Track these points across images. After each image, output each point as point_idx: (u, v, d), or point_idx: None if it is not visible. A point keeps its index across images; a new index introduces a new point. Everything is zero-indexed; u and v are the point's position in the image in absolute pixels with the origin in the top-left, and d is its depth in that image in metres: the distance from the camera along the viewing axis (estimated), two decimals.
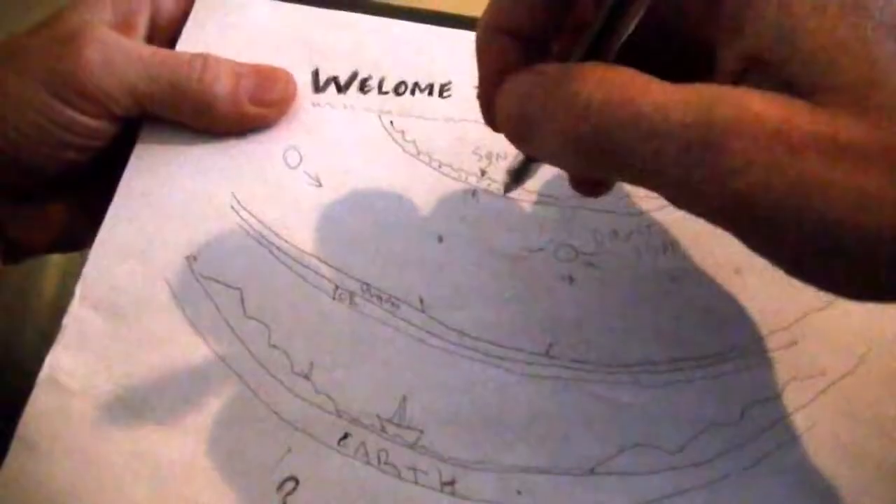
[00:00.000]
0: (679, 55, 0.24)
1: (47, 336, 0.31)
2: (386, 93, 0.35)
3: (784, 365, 0.30)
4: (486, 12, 0.25)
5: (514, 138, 0.24)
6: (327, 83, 0.35)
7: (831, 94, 0.19)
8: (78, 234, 0.36)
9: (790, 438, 0.29)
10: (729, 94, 0.19)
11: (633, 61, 0.22)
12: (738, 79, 0.21)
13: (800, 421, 0.29)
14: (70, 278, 0.46)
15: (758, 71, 0.20)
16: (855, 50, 0.19)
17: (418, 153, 0.34)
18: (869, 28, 0.19)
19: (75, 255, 0.41)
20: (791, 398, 0.30)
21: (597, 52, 0.22)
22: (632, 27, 0.21)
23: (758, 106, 0.19)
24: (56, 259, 0.47)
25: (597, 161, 0.22)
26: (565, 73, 0.22)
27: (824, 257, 0.19)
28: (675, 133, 0.19)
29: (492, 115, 0.25)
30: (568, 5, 0.24)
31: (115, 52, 0.32)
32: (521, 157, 0.27)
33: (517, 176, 0.27)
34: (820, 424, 0.29)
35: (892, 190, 0.18)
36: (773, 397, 0.30)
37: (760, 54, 0.20)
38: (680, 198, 0.21)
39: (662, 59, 0.23)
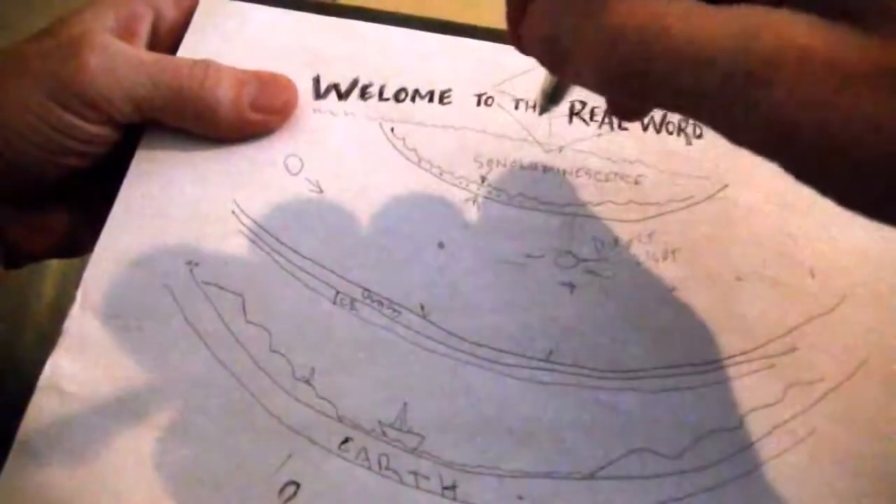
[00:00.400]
0: None
1: (46, 339, 0.31)
2: (387, 100, 0.35)
3: (784, 371, 0.30)
4: None
5: (545, 62, 0.23)
6: (328, 90, 0.35)
7: (886, 19, 0.18)
8: (79, 240, 0.36)
9: (790, 444, 0.29)
10: (773, 22, 0.18)
11: None
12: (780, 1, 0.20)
13: (799, 427, 0.29)
14: (69, 281, 0.46)
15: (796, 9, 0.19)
16: None
17: (419, 160, 0.34)
18: None
19: (74, 258, 0.41)
20: (790, 404, 0.30)
21: None
22: None
23: (803, 36, 0.18)
24: (55, 262, 0.47)
25: (633, 91, 0.21)
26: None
27: (882, 191, 0.18)
28: (716, 65, 0.18)
29: (518, 36, 0.24)
30: None
31: (117, 59, 0.32)
32: (554, 78, 0.26)
33: (552, 96, 0.26)
34: (819, 430, 0.29)
35: None
36: (772, 403, 0.30)
37: None
38: (721, 128, 0.20)
39: None
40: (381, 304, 0.31)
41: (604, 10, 0.20)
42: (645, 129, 0.35)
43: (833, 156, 0.18)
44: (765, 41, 0.18)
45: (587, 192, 0.34)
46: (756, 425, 0.29)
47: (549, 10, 0.22)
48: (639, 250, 0.33)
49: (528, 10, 0.22)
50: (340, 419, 0.29)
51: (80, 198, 0.36)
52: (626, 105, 0.26)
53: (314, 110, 0.35)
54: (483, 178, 0.34)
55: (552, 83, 0.26)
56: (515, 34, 0.24)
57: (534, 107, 0.34)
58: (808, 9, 0.19)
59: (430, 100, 0.35)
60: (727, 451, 0.29)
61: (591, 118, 0.35)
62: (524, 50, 0.24)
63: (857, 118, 0.17)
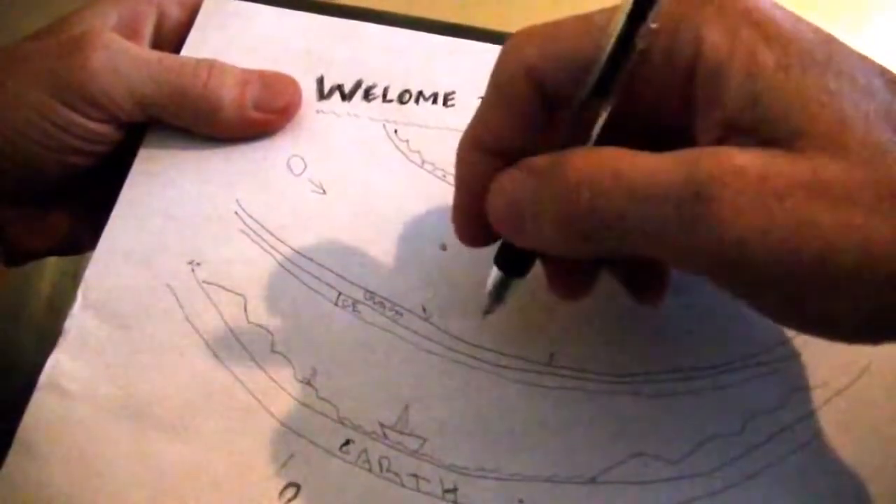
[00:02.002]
0: (657, 134, 0.24)
1: (44, 337, 0.31)
2: (390, 101, 0.35)
3: (786, 376, 0.30)
4: (467, 132, 0.26)
5: (510, 232, 0.25)
6: (332, 91, 0.35)
7: (807, 140, 0.20)
8: (80, 239, 0.36)
9: (792, 449, 0.29)
10: (711, 151, 0.21)
11: (613, 144, 0.23)
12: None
13: (801, 432, 0.29)
14: (67, 279, 0.46)
15: (735, 135, 0.21)
16: (822, 100, 0.20)
17: (423, 162, 0.34)
18: (830, 80, 0.20)
19: (73, 256, 0.41)
20: (793, 409, 0.30)
21: (577, 140, 0.23)
22: (602, 119, 0.23)
23: (739, 158, 0.20)
24: (53, 260, 0.47)
25: (594, 238, 0.23)
26: (553, 161, 0.23)
27: (816, 299, 0.20)
28: (666, 194, 0.21)
29: (468, 230, 0.27)
30: (547, 115, 0.25)
31: (120, 58, 0.32)
32: (498, 275, 0.27)
33: (497, 295, 0.28)
34: (822, 436, 0.29)
35: (879, 224, 0.19)
36: (774, 408, 0.29)
37: (736, 120, 0.21)
38: (679, 257, 0.22)
39: (642, 139, 0.24)
40: (382, 305, 0.31)
41: (562, 166, 0.23)
42: None
43: (782, 264, 0.20)
44: (708, 166, 0.20)
45: None
46: (758, 430, 0.29)
47: (510, 184, 0.24)
48: None
49: (491, 189, 0.25)
50: (341, 421, 0.29)
51: (81, 196, 0.36)
52: (572, 280, 0.28)
53: (317, 111, 0.35)
54: None
55: (498, 281, 0.27)
56: (465, 228, 0.27)
57: None
58: (744, 143, 0.21)
59: (434, 101, 0.35)
60: (729, 456, 0.29)
61: None
62: (472, 242, 0.27)
63: (792, 226, 0.19)
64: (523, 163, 0.24)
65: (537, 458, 0.29)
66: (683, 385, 0.30)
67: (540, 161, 0.24)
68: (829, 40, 0.22)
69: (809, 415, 0.29)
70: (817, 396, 0.30)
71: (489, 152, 0.26)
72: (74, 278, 0.32)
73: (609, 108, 0.22)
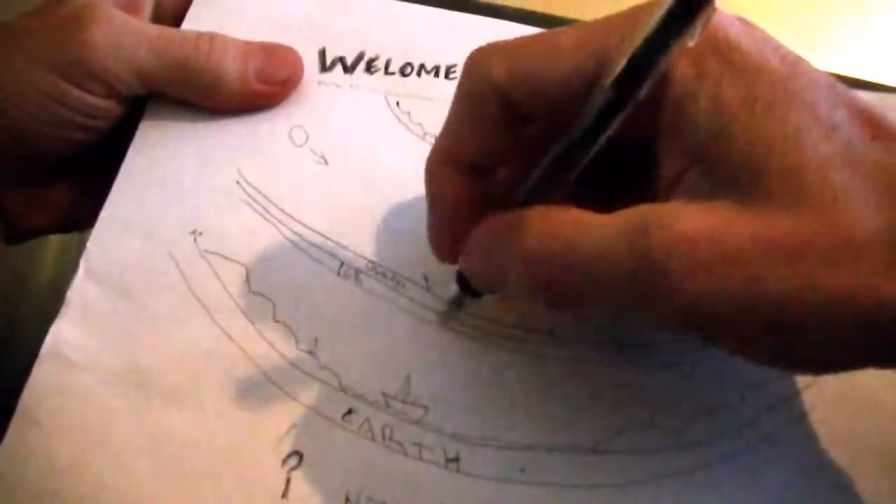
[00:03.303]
0: (624, 163, 0.25)
1: (46, 314, 0.31)
2: (392, 74, 0.35)
3: None
4: (435, 147, 0.27)
5: (486, 288, 0.27)
6: (334, 63, 0.35)
7: (763, 188, 0.20)
8: (82, 215, 0.36)
9: (789, 421, 0.29)
10: (661, 216, 0.21)
11: (579, 180, 0.24)
12: (678, 179, 0.22)
13: (799, 404, 0.29)
14: (68, 256, 0.46)
15: (696, 170, 0.22)
16: (782, 142, 0.20)
17: (424, 134, 0.34)
18: (793, 117, 0.20)
19: (74, 233, 0.41)
20: (791, 382, 0.30)
21: (546, 191, 0.24)
22: (579, 169, 0.23)
23: (687, 225, 0.20)
24: (55, 237, 0.47)
25: (556, 302, 0.24)
26: (510, 223, 0.24)
27: (778, 345, 0.21)
28: (620, 267, 0.21)
29: (445, 247, 0.28)
30: (515, 130, 0.25)
31: (121, 32, 0.32)
32: (458, 293, 0.29)
33: (455, 308, 0.30)
34: (819, 408, 0.29)
35: (829, 275, 0.19)
36: (773, 381, 0.30)
37: (697, 154, 0.21)
38: (637, 319, 0.23)
39: (608, 167, 0.24)
40: (384, 275, 0.31)
41: (517, 231, 0.23)
42: None
43: (737, 323, 0.20)
44: (655, 236, 0.20)
45: None
46: (756, 402, 0.29)
47: (479, 244, 0.26)
48: None
49: (467, 243, 0.26)
50: (344, 390, 0.29)
51: (83, 172, 0.36)
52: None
53: (319, 83, 0.35)
54: None
55: (456, 298, 0.29)
56: (441, 247, 0.28)
57: None
58: (702, 184, 0.21)
59: (436, 74, 0.35)
60: (728, 427, 0.29)
61: None
62: (448, 261, 0.28)
63: (743, 287, 0.20)
64: (491, 219, 0.25)
65: (539, 427, 0.29)
66: (683, 356, 0.30)
67: (500, 221, 0.25)
68: (797, 67, 0.22)
69: (807, 387, 0.30)
70: None
71: (459, 167, 0.26)
72: (76, 255, 0.32)
73: (590, 157, 0.23)
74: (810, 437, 0.29)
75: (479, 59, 0.25)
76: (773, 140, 0.20)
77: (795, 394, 0.30)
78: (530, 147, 0.25)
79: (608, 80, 0.21)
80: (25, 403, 0.29)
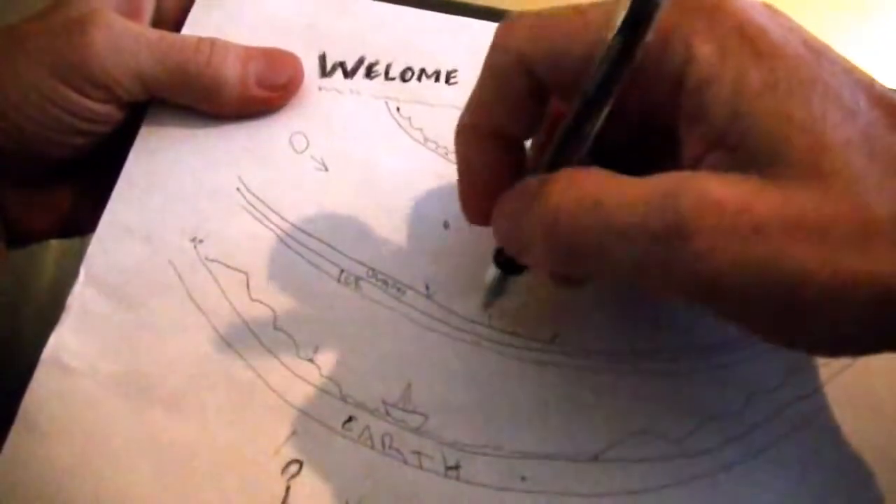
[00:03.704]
0: (647, 142, 0.25)
1: (46, 319, 0.31)
2: (392, 79, 0.35)
3: (787, 355, 0.30)
4: (462, 118, 0.27)
5: (512, 252, 0.26)
6: (334, 68, 0.35)
7: (785, 167, 0.20)
8: (83, 219, 0.36)
9: (792, 429, 0.29)
10: (689, 183, 0.21)
11: (605, 152, 0.24)
12: (701, 159, 0.22)
13: (802, 411, 0.29)
14: (67, 261, 0.46)
15: (719, 150, 0.22)
16: (804, 125, 0.20)
17: (425, 140, 0.34)
18: (815, 101, 0.21)
19: (74, 239, 0.41)
20: (794, 388, 0.30)
21: (567, 153, 0.24)
22: (597, 127, 0.23)
23: (717, 192, 0.20)
24: (55, 241, 0.47)
25: (578, 264, 0.24)
26: (537, 186, 0.24)
27: (794, 323, 0.21)
28: (644, 228, 0.21)
29: (476, 211, 0.28)
30: (542, 101, 0.25)
31: (122, 37, 0.32)
32: (496, 273, 0.28)
33: (496, 291, 0.29)
34: (822, 415, 0.29)
35: (849, 256, 0.19)
36: (776, 387, 0.30)
37: (719, 135, 0.22)
38: (656, 285, 0.22)
39: (632, 146, 0.25)
40: (385, 283, 0.31)
41: (543, 194, 0.23)
42: None
43: (754, 297, 0.20)
44: (685, 200, 0.20)
45: None
46: (759, 409, 0.29)
47: (507, 208, 0.25)
48: None
49: (495, 207, 0.26)
50: (344, 398, 0.29)
51: (84, 177, 0.36)
52: (568, 276, 0.29)
53: (320, 88, 0.35)
54: None
55: (495, 280, 0.28)
56: (472, 211, 0.28)
57: None
58: (725, 164, 0.21)
59: (437, 79, 0.35)
60: (730, 435, 0.29)
61: None
62: (496, 240, 0.27)
63: (764, 259, 0.20)
64: (519, 185, 0.25)
65: (540, 435, 0.29)
66: (685, 364, 0.30)
67: (528, 185, 0.24)
68: (819, 52, 0.22)
69: (810, 394, 0.30)
70: (818, 375, 0.30)
71: (487, 136, 0.26)
72: (76, 260, 0.32)
73: (605, 112, 0.23)
74: (813, 445, 0.29)
75: (506, 31, 0.25)
76: (795, 121, 0.20)
77: (798, 400, 0.29)
78: (558, 120, 0.25)
79: (612, 33, 0.21)
80: (26, 409, 0.29)
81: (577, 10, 0.24)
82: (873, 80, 0.22)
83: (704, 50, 0.22)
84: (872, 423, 0.29)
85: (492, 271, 0.28)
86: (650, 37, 0.21)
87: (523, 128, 0.26)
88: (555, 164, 0.24)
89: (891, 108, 0.21)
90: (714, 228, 0.20)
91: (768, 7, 0.23)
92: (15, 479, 0.28)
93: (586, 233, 0.22)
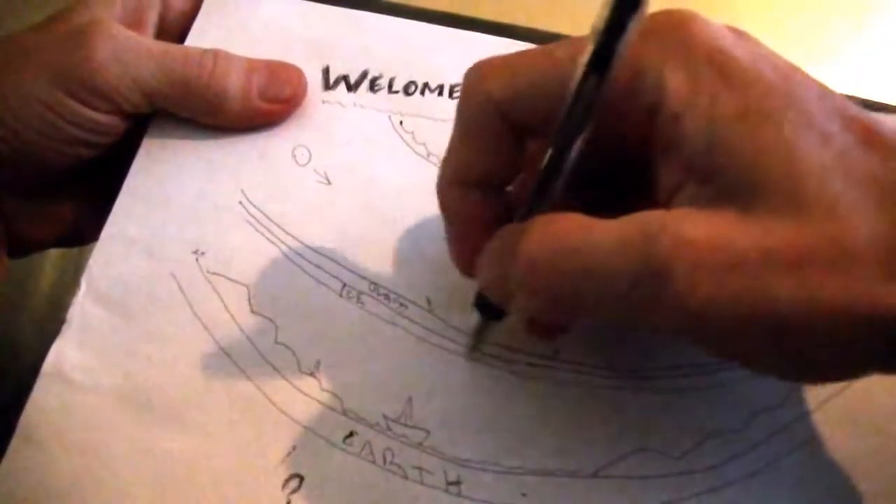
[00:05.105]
0: (623, 175, 0.25)
1: (45, 329, 0.31)
2: (396, 92, 0.35)
3: None
4: (442, 169, 0.27)
5: (498, 301, 0.26)
6: (337, 81, 0.35)
7: (761, 197, 0.20)
8: (85, 230, 0.36)
9: (794, 447, 0.29)
10: (665, 223, 0.21)
11: (581, 186, 0.24)
12: (677, 190, 0.22)
13: (804, 429, 0.29)
14: (67, 272, 0.46)
15: (694, 181, 0.22)
16: (778, 152, 0.20)
17: (428, 154, 0.34)
18: (787, 128, 0.20)
19: (72, 248, 0.41)
20: (794, 407, 0.30)
21: (543, 197, 0.23)
22: (570, 165, 0.23)
23: (693, 231, 0.20)
24: (53, 251, 0.47)
25: (558, 310, 0.24)
26: (514, 233, 0.24)
27: (779, 355, 0.21)
28: (623, 272, 0.21)
29: (466, 262, 0.27)
30: (519, 144, 0.25)
31: (125, 48, 0.32)
32: (478, 319, 0.28)
33: (480, 338, 0.29)
34: (824, 433, 0.29)
35: (830, 282, 0.19)
36: (776, 406, 0.29)
37: (695, 166, 0.22)
38: (639, 325, 0.23)
39: (608, 180, 0.25)
40: (387, 297, 0.31)
41: (520, 242, 0.23)
42: None
43: (737, 330, 0.20)
44: (662, 241, 0.20)
45: None
46: (759, 428, 0.29)
47: (489, 258, 0.25)
48: None
49: (479, 258, 0.26)
50: (345, 412, 0.29)
51: (86, 187, 0.36)
52: (542, 329, 0.29)
53: (323, 101, 0.35)
54: None
55: (479, 324, 0.28)
56: (461, 263, 0.28)
57: None
58: (701, 195, 0.21)
59: (440, 93, 0.35)
60: (730, 453, 0.29)
61: None
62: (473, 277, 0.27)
63: (743, 295, 0.20)
64: (498, 233, 0.25)
65: (540, 451, 0.29)
66: (686, 381, 0.30)
67: (506, 232, 0.24)
68: (789, 77, 0.22)
69: (810, 413, 0.29)
70: (819, 394, 0.30)
71: (468, 186, 0.26)
72: (75, 270, 0.31)
73: (577, 150, 0.22)
74: (814, 463, 0.29)
75: (476, 77, 0.25)
76: (770, 149, 0.20)
77: (799, 419, 0.29)
78: (536, 161, 0.25)
79: (581, 65, 0.21)
80: (26, 422, 0.29)
81: (545, 49, 0.24)
82: (846, 101, 0.22)
83: (676, 81, 0.22)
84: (874, 441, 0.29)
85: (474, 317, 0.28)
86: (616, 71, 0.21)
87: (503, 173, 0.26)
88: (532, 209, 0.24)
89: (864, 130, 0.21)
90: (692, 267, 0.20)
91: (737, 33, 0.23)
92: (15, 491, 0.28)
93: (564, 279, 0.22)
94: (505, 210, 0.26)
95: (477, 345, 0.29)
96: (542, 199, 0.23)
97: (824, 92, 0.22)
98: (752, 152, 0.20)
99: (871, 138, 0.21)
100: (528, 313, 0.26)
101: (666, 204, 0.23)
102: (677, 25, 0.22)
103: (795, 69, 0.22)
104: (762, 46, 0.23)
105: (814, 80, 0.22)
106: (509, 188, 0.27)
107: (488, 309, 0.27)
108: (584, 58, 0.20)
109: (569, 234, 0.22)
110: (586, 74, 0.20)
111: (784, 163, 0.20)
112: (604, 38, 0.20)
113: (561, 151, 0.22)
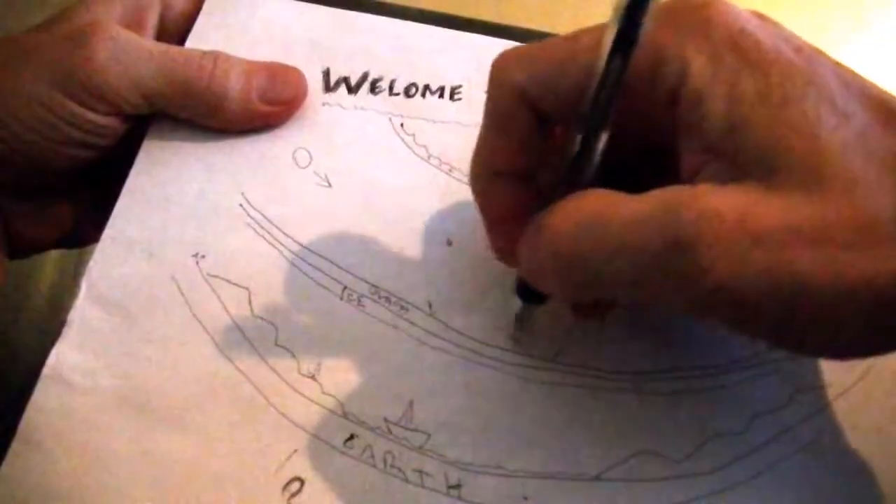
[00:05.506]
0: (646, 158, 0.25)
1: (45, 331, 0.31)
2: (397, 94, 0.35)
3: (790, 376, 0.30)
4: (474, 161, 0.27)
5: (534, 284, 0.26)
6: (338, 83, 0.35)
7: (784, 174, 0.20)
8: (85, 232, 0.36)
9: (795, 450, 0.29)
10: (688, 196, 0.21)
11: (606, 171, 0.24)
12: (699, 171, 0.22)
13: (805, 432, 0.29)
14: (67, 273, 0.46)
15: (717, 161, 0.22)
16: (800, 132, 0.20)
17: (429, 156, 0.34)
18: (809, 107, 0.21)
19: (72, 250, 0.41)
20: (797, 409, 0.30)
21: (573, 181, 0.24)
22: (600, 150, 0.23)
23: (716, 204, 0.21)
24: (52, 253, 0.47)
25: (584, 285, 0.24)
26: (544, 217, 0.24)
27: (799, 329, 0.21)
28: (646, 245, 0.21)
29: (505, 252, 0.28)
30: (545, 138, 0.26)
31: (125, 50, 0.32)
32: (520, 305, 0.28)
33: (522, 324, 0.29)
34: (825, 436, 0.29)
35: (854, 259, 0.20)
36: (778, 408, 0.29)
37: (717, 146, 0.22)
38: (662, 300, 0.23)
39: (632, 163, 0.25)
40: (388, 300, 0.31)
41: (549, 223, 0.24)
42: None
43: (759, 305, 0.21)
44: (686, 215, 0.21)
45: None
46: (761, 430, 0.29)
47: (525, 244, 0.25)
48: None
49: (518, 245, 0.26)
50: (346, 416, 0.29)
51: (86, 188, 0.36)
52: (587, 310, 0.29)
53: (323, 103, 0.35)
54: None
55: (520, 311, 0.29)
56: (501, 252, 0.28)
57: None
58: (723, 175, 0.22)
59: (441, 95, 0.35)
60: (732, 456, 0.29)
61: None
62: (511, 263, 0.28)
63: (767, 269, 0.20)
64: (532, 219, 0.25)
65: (541, 454, 0.29)
66: (688, 384, 0.30)
67: (537, 218, 0.25)
68: (811, 58, 0.22)
69: (813, 415, 0.29)
70: (821, 396, 0.30)
71: (500, 176, 0.26)
72: (74, 271, 0.31)
73: (606, 134, 0.23)
74: (815, 466, 0.29)
75: (501, 67, 0.25)
76: (792, 128, 0.21)
77: (801, 422, 0.29)
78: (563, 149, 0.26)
79: (606, 45, 0.21)
80: (27, 424, 0.29)
81: (569, 36, 0.24)
82: (866, 81, 0.22)
83: (698, 63, 0.22)
84: (876, 444, 0.29)
85: (516, 303, 0.28)
86: (638, 55, 0.21)
87: (532, 162, 0.26)
88: (563, 192, 0.24)
89: (885, 109, 0.22)
90: (715, 240, 0.20)
91: (758, 15, 0.23)
92: (15, 493, 0.28)
93: (588, 254, 0.22)
94: (538, 199, 0.26)
95: (521, 332, 0.30)
96: (573, 185, 0.24)
97: (845, 72, 0.22)
98: (773, 131, 0.21)
99: (891, 118, 0.21)
100: (560, 293, 0.26)
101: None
102: (698, 8, 0.23)
103: (817, 51, 0.22)
104: (783, 28, 0.23)
105: (834, 61, 0.22)
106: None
107: (529, 294, 0.28)
108: (609, 37, 0.21)
109: (592, 207, 0.23)
110: (612, 54, 0.21)
111: (806, 141, 0.20)
112: (626, 15, 0.20)
113: (590, 135, 0.22)
